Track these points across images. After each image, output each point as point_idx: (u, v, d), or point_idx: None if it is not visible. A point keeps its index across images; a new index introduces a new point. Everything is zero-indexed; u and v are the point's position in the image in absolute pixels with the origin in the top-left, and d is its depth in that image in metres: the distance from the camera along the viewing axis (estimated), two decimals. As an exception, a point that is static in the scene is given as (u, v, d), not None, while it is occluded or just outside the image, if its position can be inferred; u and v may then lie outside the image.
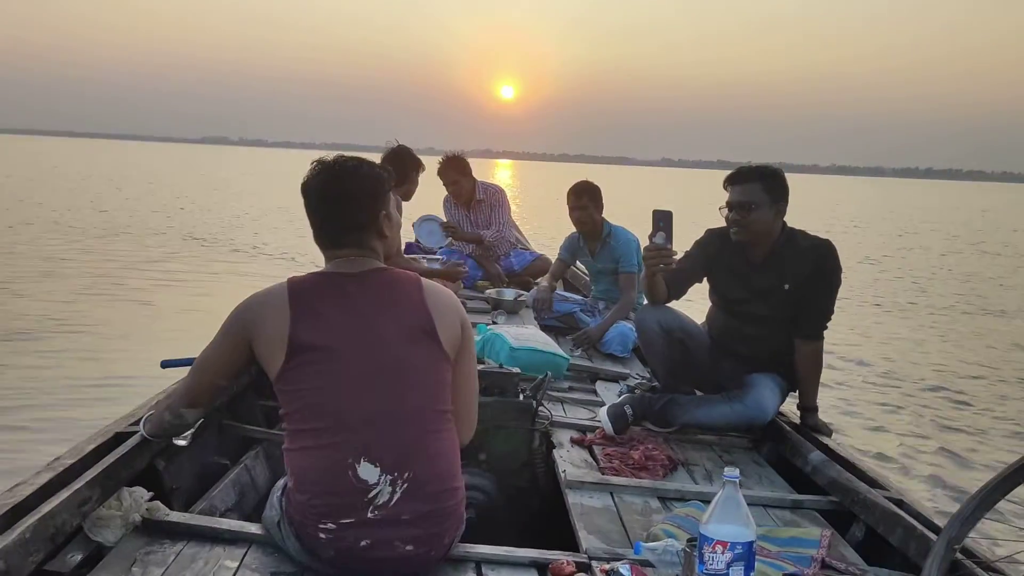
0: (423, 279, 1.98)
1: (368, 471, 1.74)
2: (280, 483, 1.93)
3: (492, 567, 1.94)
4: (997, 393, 6.75)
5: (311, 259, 10.23)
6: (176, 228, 15.66)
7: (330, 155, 1.97)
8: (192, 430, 2.20)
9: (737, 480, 1.64)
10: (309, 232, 1.97)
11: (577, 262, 5.10)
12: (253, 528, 1.97)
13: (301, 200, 1.94)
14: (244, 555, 1.88)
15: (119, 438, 2.25)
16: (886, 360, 7.68)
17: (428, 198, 6.08)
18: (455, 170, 5.51)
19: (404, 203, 4.68)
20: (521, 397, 2.88)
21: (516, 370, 2.93)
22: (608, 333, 4.22)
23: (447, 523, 1.84)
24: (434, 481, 1.81)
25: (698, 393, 3.30)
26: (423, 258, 4.96)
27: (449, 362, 1.91)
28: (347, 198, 1.90)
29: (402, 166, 4.52)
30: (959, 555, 1.98)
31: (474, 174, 5.67)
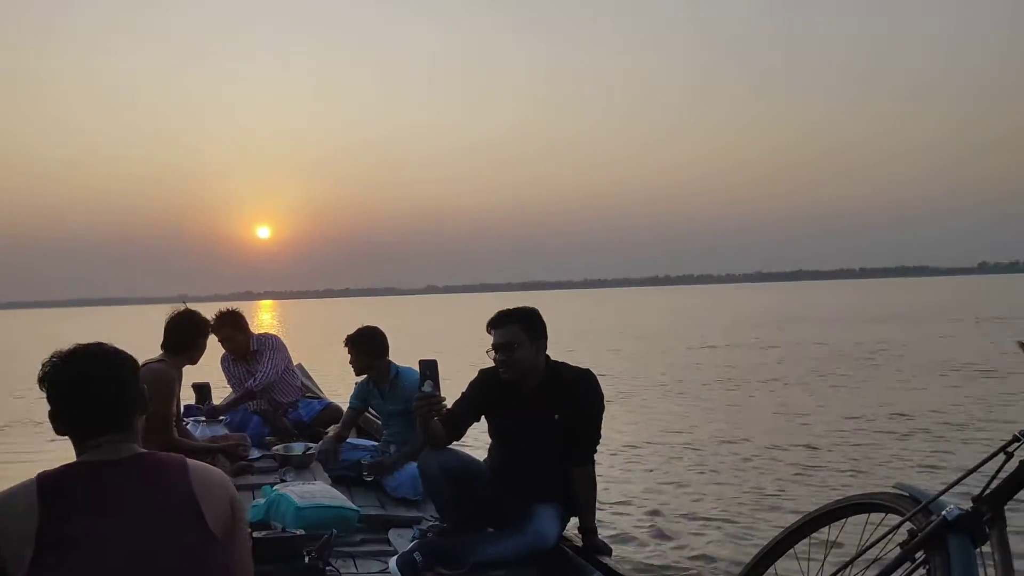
0: (189, 460, 1.95)
1: None
2: None
3: None
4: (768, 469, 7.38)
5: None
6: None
7: (66, 346, 1.94)
8: None
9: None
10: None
11: (369, 408, 5.10)
12: None
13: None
14: None
15: None
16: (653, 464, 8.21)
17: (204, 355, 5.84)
18: (229, 326, 5.41)
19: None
20: (306, 560, 2.82)
21: (300, 532, 2.89)
22: (398, 478, 4.24)
23: None
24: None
25: (488, 529, 3.39)
26: (201, 421, 4.76)
27: (219, 544, 1.88)
28: (99, 387, 1.87)
29: (186, 334, 4.34)
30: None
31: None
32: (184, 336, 4.22)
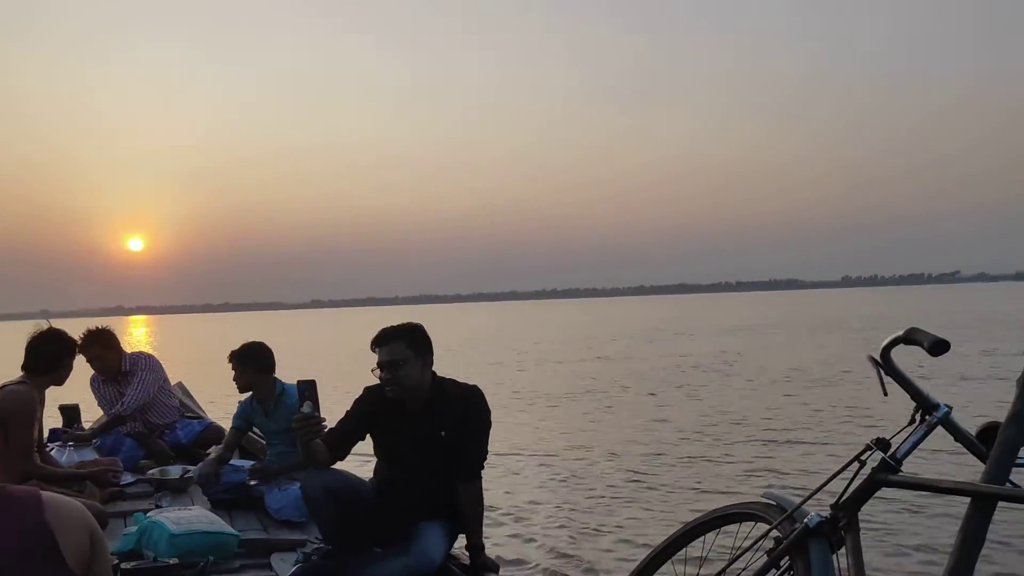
0: (44, 493, 1.84)
1: None
2: None
3: None
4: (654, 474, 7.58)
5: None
6: None
7: None
8: None
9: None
10: None
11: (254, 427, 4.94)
12: None
13: None
14: None
15: None
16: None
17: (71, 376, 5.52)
18: (98, 344, 5.13)
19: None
20: (180, 590, 2.70)
21: (173, 561, 2.76)
22: (282, 499, 4.12)
23: None
24: None
25: (374, 550, 3.34)
26: (69, 446, 4.49)
27: None
28: None
29: (50, 354, 4.06)
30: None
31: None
32: (47, 356, 3.97)
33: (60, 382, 4.09)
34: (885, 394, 1.90)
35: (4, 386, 3.89)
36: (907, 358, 1.95)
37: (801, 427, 10.30)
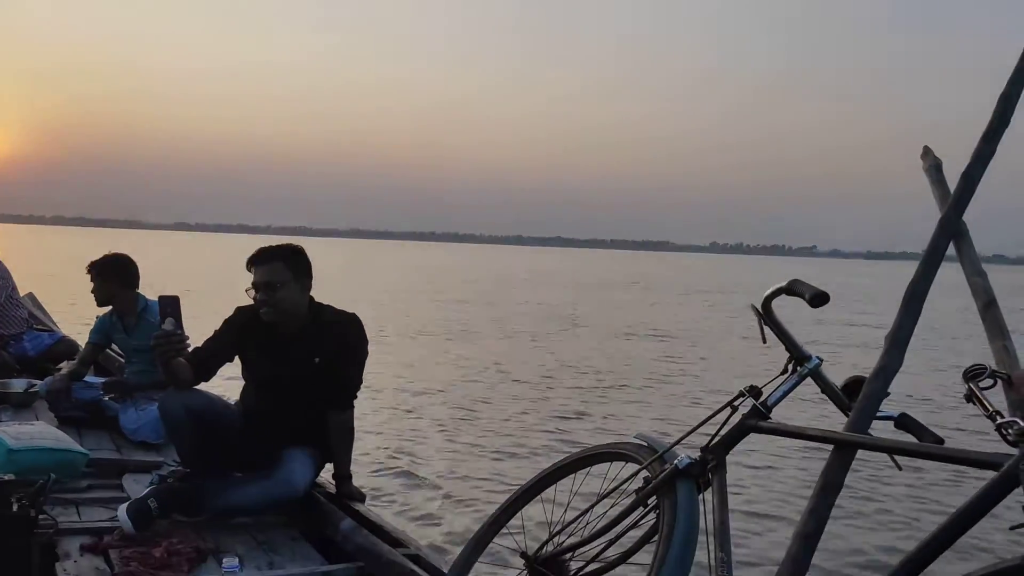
0: None
1: None
2: None
3: None
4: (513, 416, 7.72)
5: None
6: None
7: None
8: None
9: (236, 570, 1.62)
10: None
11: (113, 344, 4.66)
12: None
13: None
14: None
15: None
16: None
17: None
18: None
19: None
20: (15, 507, 2.50)
21: (8, 477, 2.55)
22: (139, 419, 3.91)
23: None
24: None
25: (235, 475, 3.22)
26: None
27: None
28: None
29: None
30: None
31: None
32: None
33: None
34: (764, 341, 1.94)
35: None
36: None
37: (673, 380, 10.74)
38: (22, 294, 5.49)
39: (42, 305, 6.30)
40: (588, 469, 2.28)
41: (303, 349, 3.14)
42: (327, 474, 3.36)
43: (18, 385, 4.30)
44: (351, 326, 3.20)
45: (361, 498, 3.22)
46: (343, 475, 3.26)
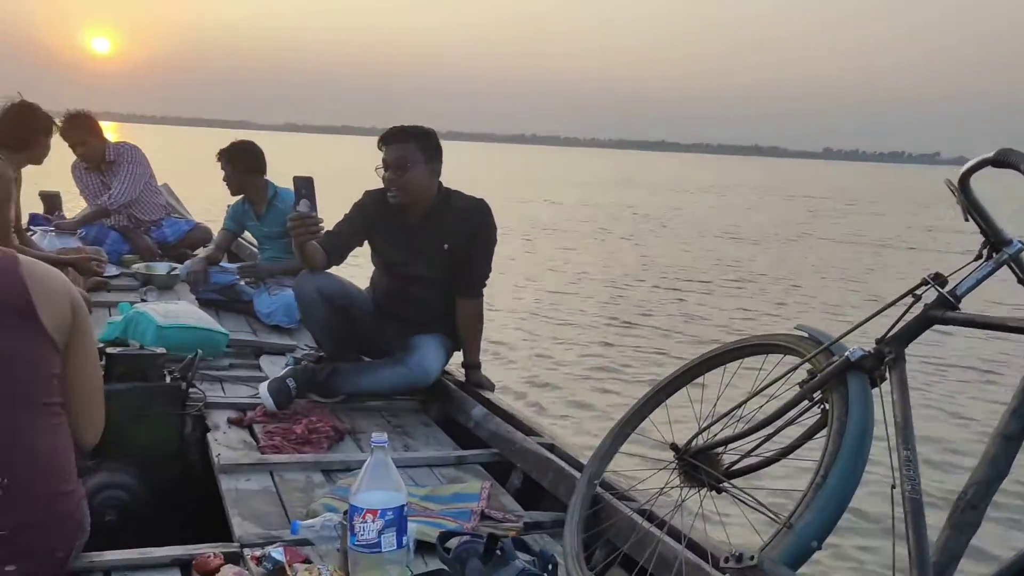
0: (21, 256, 1.66)
1: None
2: None
3: (124, 573, 1.71)
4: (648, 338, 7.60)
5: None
6: None
7: None
8: None
9: (385, 445, 1.59)
10: None
11: (246, 232, 4.77)
12: None
13: None
14: None
15: None
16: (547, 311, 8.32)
17: (52, 163, 5.26)
18: (83, 129, 4.80)
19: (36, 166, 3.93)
20: (168, 380, 2.59)
21: (160, 350, 2.63)
22: (272, 304, 4.00)
23: (60, 533, 1.58)
24: (39, 486, 1.54)
25: (366, 359, 3.25)
26: (50, 231, 4.29)
27: (56, 350, 1.64)
28: None
29: (24, 128, 3.72)
30: (599, 489, 2.14)
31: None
32: (21, 130, 3.66)
33: (38, 161, 3.82)
34: (966, 219, 1.70)
35: None
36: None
37: (835, 277, 10.14)
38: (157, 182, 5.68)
39: (176, 196, 6.54)
40: (740, 361, 2.13)
41: (431, 234, 3.08)
42: (455, 363, 3.35)
43: (161, 268, 4.48)
44: (480, 213, 3.11)
45: (491, 387, 3.20)
46: (472, 364, 3.23)
